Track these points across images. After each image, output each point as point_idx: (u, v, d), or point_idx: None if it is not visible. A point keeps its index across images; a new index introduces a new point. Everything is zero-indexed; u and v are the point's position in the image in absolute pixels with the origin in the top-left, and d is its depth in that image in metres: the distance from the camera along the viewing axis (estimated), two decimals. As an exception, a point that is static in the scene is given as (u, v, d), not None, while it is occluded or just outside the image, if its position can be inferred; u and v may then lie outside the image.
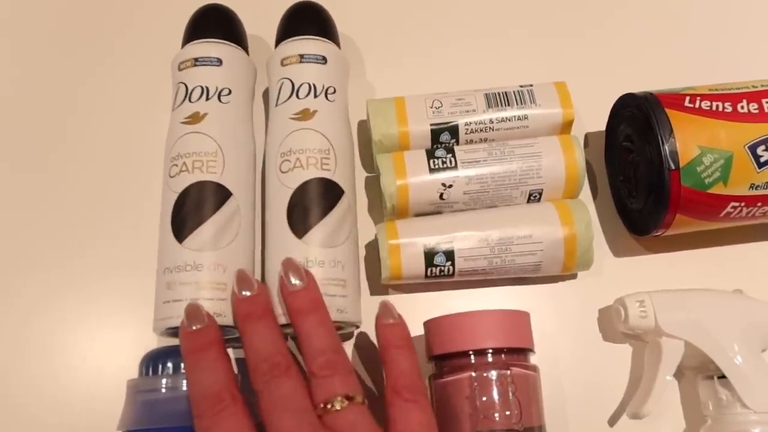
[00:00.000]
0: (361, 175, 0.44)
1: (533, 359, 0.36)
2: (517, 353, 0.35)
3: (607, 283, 0.41)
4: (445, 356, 0.35)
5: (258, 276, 0.39)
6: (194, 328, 0.33)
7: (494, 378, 0.34)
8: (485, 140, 0.41)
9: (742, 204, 0.38)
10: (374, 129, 0.41)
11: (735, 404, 0.36)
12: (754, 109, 0.37)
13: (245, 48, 0.43)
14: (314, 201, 0.37)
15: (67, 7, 0.49)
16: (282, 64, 0.41)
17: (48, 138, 0.46)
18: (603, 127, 0.44)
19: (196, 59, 0.40)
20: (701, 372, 0.38)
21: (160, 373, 0.34)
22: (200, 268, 0.36)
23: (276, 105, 0.40)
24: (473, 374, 0.34)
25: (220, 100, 0.40)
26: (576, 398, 0.40)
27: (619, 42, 0.48)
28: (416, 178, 0.40)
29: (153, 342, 0.38)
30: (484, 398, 0.33)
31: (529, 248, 0.39)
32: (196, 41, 0.41)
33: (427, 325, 0.37)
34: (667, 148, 0.37)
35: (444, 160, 0.40)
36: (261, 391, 0.31)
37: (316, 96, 0.40)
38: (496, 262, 0.39)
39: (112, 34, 0.48)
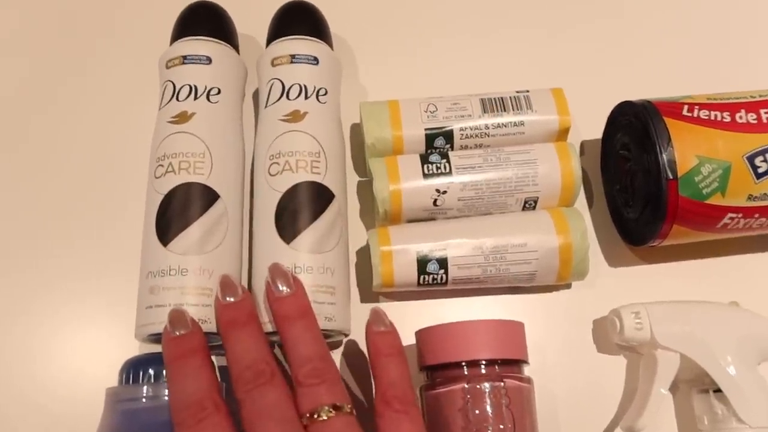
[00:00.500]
0: (354, 179, 0.43)
1: (527, 371, 0.36)
2: (511, 365, 0.34)
3: (602, 294, 0.41)
4: (438, 367, 0.34)
5: (245, 281, 0.38)
6: (178, 333, 0.31)
7: (487, 390, 0.33)
8: (480, 146, 0.41)
9: (740, 215, 0.37)
10: (367, 132, 0.40)
11: (731, 419, 0.36)
12: (753, 120, 0.37)
13: (236, 47, 0.42)
14: (303, 205, 0.36)
15: (51, 4, 0.48)
16: (272, 65, 0.40)
17: (29, 136, 0.44)
18: (599, 135, 0.43)
19: (184, 57, 0.39)
20: (696, 385, 0.38)
21: (140, 381, 0.32)
22: (185, 273, 0.35)
23: (265, 106, 0.39)
24: (466, 386, 0.33)
25: (208, 100, 0.39)
26: (570, 411, 0.39)
27: (617, 49, 0.47)
28: (410, 183, 0.39)
29: (135, 348, 0.37)
30: (477, 411, 0.33)
31: (524, 257, 0.38)
32: (184, 39, 0.40)
33: (419, 334, 0.36)
34: (665, 157, 0.36)
35: (438, 165, 0.39)
36: (243, 400, 0.30)
37: (307, 97, 0.39)
38: (491, 270, 0.38)
39: (97, 31, 0.47)
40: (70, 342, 0.40)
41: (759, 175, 0.36)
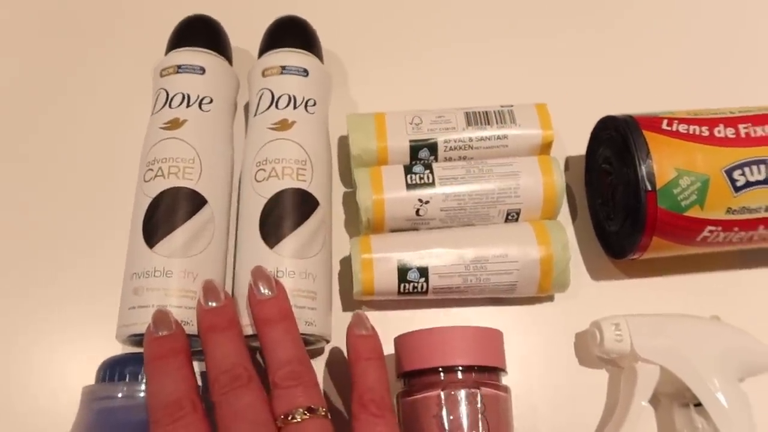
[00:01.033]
0: (340, 190, 0.44)
1: (506, 381, 0.35)
2: (488, 372, 0.34)
3: (584, 307, 0.41)
4: (414, 373, 0.34)
5: (228, 285, 0.39)
6: (161, 334, 0.32)
7: (463, 397, 0.33)
8: (464, 158, 0.41)
9: (719, 228, 0.37)
10: (353, 143, 0.41)
11: (711, 433, 0.35)
12: (731, 134, 0.37)
13: (229, 59, 0.43)
14: (288, 211, 0.37)
15: (46, 10, 0.50)
16: (263, 75, 0.41)
17: (11, 137, 0.45)
18: (584, 151, 0.44)
19: (179, 66, 0.40)
20: (677, 399, 0.38)
21: (117, 380, 0.33)
22: (170, 275, 0.35)
23: (255, 115, 0.40)
24: (441, 392, 0.33)
25: (200, 108, 0.39)
26: (550, 424, 0.39)
27: (603, 66, 0.48)
28: (393, 193, 0.39)
29: (115, 350, 0.37)
30: (452, 417, 0.32)
31: (505, 267, 0.38)
32: (179, 49, 0.41)
33: (397, 341, 0.36)
34: (644, 169, 0.37)
35: (422, 176, 0.40)
36: (219, 403, 0.30)
37: (295, 107, 0.40)
38: (471, 280, 0.38)
39: (92, 39, 0.49)
40: (49, 344, 0.40)
41: (737, 189, 0.37)
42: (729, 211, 0.37)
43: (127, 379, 0.33)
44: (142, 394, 0.32)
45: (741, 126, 0.38)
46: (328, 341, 0.38)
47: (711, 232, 0.37)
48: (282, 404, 0.30)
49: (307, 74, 0.41)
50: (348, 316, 0.38)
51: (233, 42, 0.44)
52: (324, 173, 0.40)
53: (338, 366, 0.39)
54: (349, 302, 0.41)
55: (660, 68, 0.48)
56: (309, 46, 0.42)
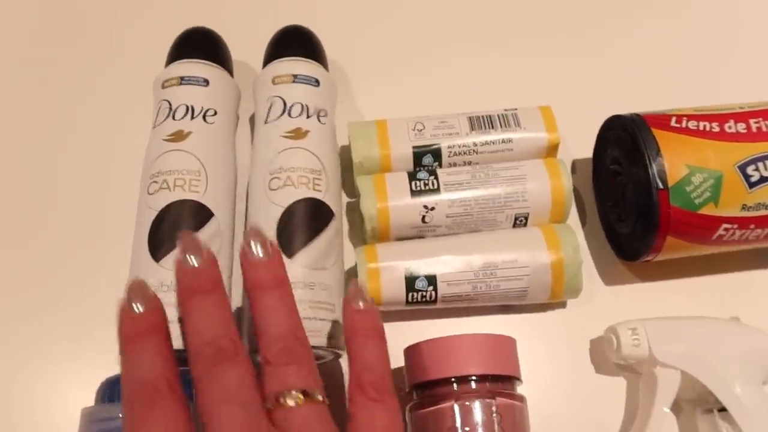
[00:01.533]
0: (342, 200, 0.43)
1: (520, 391, 0.34)
2: (503, 381, 0.33)
3: (598, 313, 0.39)
4: (426, 385, 0.33)
5: (237, 297, 0.37)
6: (137, 310, 0.28)
7: (478, 407, 0.32)
8: (469, 163, 0.40)
9: (735, 226, 0.36)
10: (355, 151, 0.40)
11: (737, 439, 0.34)
12: (742, 129, 0.36)
13: (230, 71, 0.43)
14: (306, 221, 0.36)
15: (40, 25, 0.49)
16: (273, 82, 0.40)
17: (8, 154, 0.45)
18: (590, 154, 0.43)
19: (182, 78, 0.39)
20: (700, 405, 0.36)
21: (117, 400, 0.31)
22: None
23: (265, 122, 0.39)
24: (456, 403, 0.32)
25: (205, 120, 0.39)
26: (568, 435, 0.37)
27: (604, 68, 0.48)
28: (397, 200, 0.38)
29: (115, 370, 0.36)
30: (467, 429, 0.31)
31: (515, 273, 0.37)
32: (182, 61, 0.40)
33: (407, 351, 0.34)
34: (654, 167, 0.36)
35: (426, 182, 0.39)
36: (201, 379, 0.26)
37: (308, 117, 0.39)
38: (481, 287, 0.37)
39: (88, 53, 0.48)
40: (47, 363, 0.39)
41: (752, 185, 0.36)
42: (744, 207, 0.36)
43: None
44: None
45: (752, 121, 0.37)
46: (340, 356, 0.37)
47: (726, 230, 0.36)
48: (273, 383, 0.27)
49: (318, 84, 0.40)
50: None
51: (235, 55, 0.44)
52: (337, 184, 0.39)
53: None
54: (355, 314, 0.39)
55: (663, 67, 0.48)
56: (317, 56, 0.42)
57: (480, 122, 0.41)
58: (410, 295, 0.37)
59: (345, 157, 0.44)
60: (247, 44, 0.44)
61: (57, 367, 0.39)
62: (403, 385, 0.35)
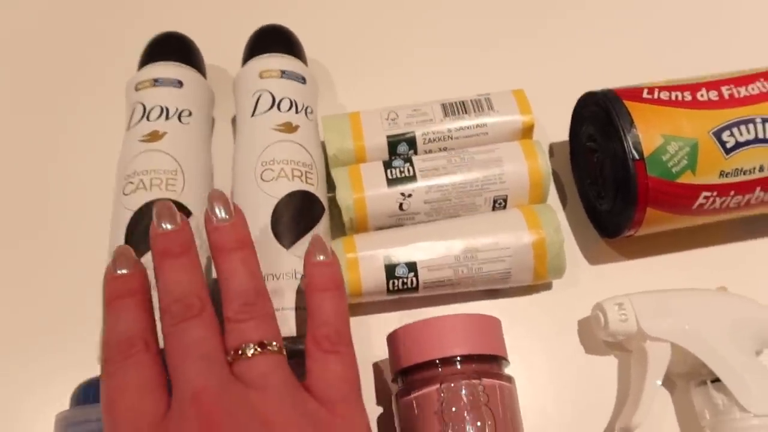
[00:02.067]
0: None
1: (509, 372, 0.33)
2: (489, 362, 0.32)
3: (584, 293, 0.39)
4: (410, 370, 0.32)
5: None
6: (120, 272, 0.29)
7: (464, 388, 0.31)
8: (444, 149, 0.40)
9: (715, 194, 0.36)
10: (329, 144, 0.40)
11: (733, 408, 0.33)
12: (714, 97, 0.36)
13: (203, 74, 0.42)
14: (301, 213, 0.36)
15: (10, 30, 0.49)
16: (261, 77, 0.40)
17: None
18: (566, 137, 0.43)
19: (155, 80, 0.39)
20: (693, 379, 0.35)
21: (93, 402, 0.30)
22: (154, 288, 0.33)
23: (252, 116, 0.39)
24: (441, 386, 0.31)
25: (180, 121, 0.39)
26: (559, 418, 0.36)
27: (578, 51, 0.48)
28: (374, 190, 0.38)
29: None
30: (454, 410, 0.30)
31: (497, 255, 0.37)
32: (155, 63, 0.40)
33: (390, 338, 0.34)
34: (629, 139, 0.35)
35: (402, 169, 0.38)
36: (169, 335, 0.28)
37: (297, 112, 0.39)
38: (463, 271, 0.36)
39: (56, 58, 0.48)
40: (19, 374, 0.38)
41: (728, 150, 0.35)
42: (723, 174, 0.35)
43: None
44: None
45: (723, 88, 0.37)
46: None
47: (707, 198, 0.36)
48: (233, 338, 0.28)
49: (305, 82, 0.40)
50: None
51: (209, 59, 0.44)
52: (324, 180, 0.39)
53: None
54: (337, 308, 0.39)
55: (632, 46, 0.48)
56: (299, 54, 0.42)
57: (453, 108, 0.40)
58: (391, 283, 0.36)
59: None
60: (219, 48, 0.44)
61: (28, 375, 0.38)
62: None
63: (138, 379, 0.27)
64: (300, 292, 0.34)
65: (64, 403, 0.32)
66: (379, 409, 0.36)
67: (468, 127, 0.40)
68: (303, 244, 0.35)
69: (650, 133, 0.35)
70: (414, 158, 0.39)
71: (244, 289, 0.29)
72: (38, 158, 0.44)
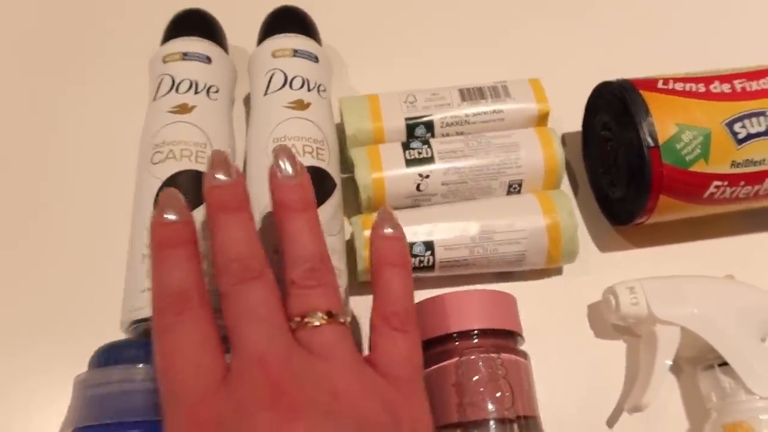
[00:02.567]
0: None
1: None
2: (506, 338, 0.33)
3: (594, 279, 0.39)
4: (429, 344, 0.33)
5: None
6: (169, 218, 0.28)
7: (482, 361, 0.31)
8: (461, 133, 0.41)
9: (726, 183, 0.37)
10: (348, 124, 0.40)
11: (739, 391, 0.34)
12: (727, 89, 0.37)
13: (227, 51, 0.43)
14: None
15: (27, 10, 0.49)
16: (273, 56, 0.40)
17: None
18: (579, 128, 0.44)
19: (185, 54, 0.39)
20: (700, 363, 0.36)
21: (112, 365, 0.30)
22: None
23: (265, 94, 0.39)
24: (460, 359, 0.31)
25: (208, 96, 0.39)
26: (570, 399, 0.37)
27: (594, 43, 0.49)
28: (392, 170, 0.38)
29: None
30: (472, 382, 0.31)
31: (512, 237, 0.37)
32: (183, 37, 0.40)
33: (408, 312, 0.34)
34: (644, 127, 0.36)
35: (420, 151, 0.39)
36: (227, 295, 0.27)
37: (309, 90, 0.39)
38: (479, 251, 0.37)
39: (77, 36, 0.48)
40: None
41: (740, 141, 0.36)
42: (734, 164, 0.36)
43: (124, 364, 0.30)
44: (140, 378, 0.30)
45: (736, 81, 0.38)
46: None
47: (717, 187, 0.37)
48: (298, 304, 0.27)
49: (318, 61, 0.40)
50: (351, 301, 0.37)
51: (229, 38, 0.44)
52: (336, 157, 0.39)
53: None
54: (352, 285, 0.39)
55: (645, 40, 0.49)
56: (313, 34, 0.42)
57: (471, 94, 0.41)
58: (408, 260, 0.37)
59: (337, 133, 0.44)
60: (238, 28, 0.44)
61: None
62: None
63: (196, 335, 0.26)
64: None
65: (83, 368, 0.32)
66: (392, 386, 0.37)
67: (485, 113, 0.41)
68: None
69: (665, 121, 0.36)
70: (432, 140, 0.40)
71: (309, 253, 0.28)
72: (62, 136, 0.44)
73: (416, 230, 0.37)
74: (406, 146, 0.39)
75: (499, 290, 0.34)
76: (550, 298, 0.40)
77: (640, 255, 0.41)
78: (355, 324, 0.38)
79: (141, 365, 0.30)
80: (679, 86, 0.38)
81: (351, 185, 0.40)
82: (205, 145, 0.37)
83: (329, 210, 0.36)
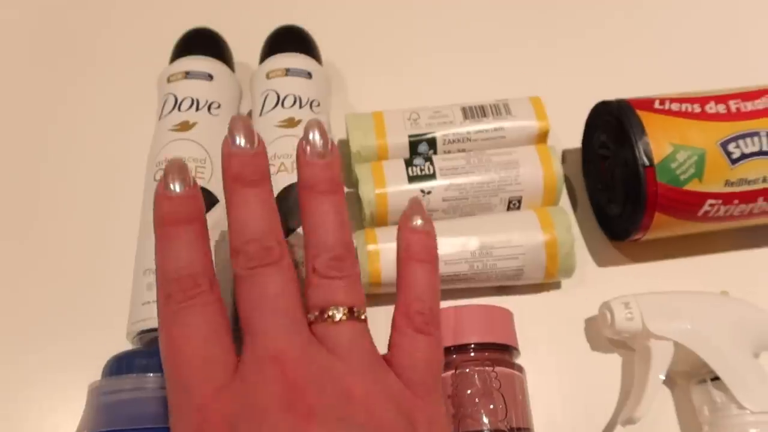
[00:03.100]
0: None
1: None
2: (501, 351, 0.34)
3: (591, 293, 0.40)
4: (427, 356, 0.34)
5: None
6: (175, 190, 0.25)
7: (477, 374, 0.32)
8: (463, 150, 0.42)
9: (720, 202, 0.38)
10: (353, 141, 0.42)
11: (730, 405, 0.35)
12: (722, 110, 0.38)
13: (232, 69, 0.44)
14: (297, 204, 0.37)
15: (43, 23, 0.51)
16: (267, 77, 0.42)
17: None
18: (579, 145, 0.45)
19: (187, 72, 0.41)
20: (693, 377, 0.37)
21: (125, 373, 0.32)
22: None
23: (260, 115, 0.41)
24: (455, 371, 0.33)
25: (209, 112, 0.40)
26: (564, 410, 0.38)
27: (594, 62, 0.50)
28: (395, 186, 0.40)
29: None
30: (467, 394, 0.32)
31: (511, 252, 0.38)
32: (187, 56, 0.42)
33: (408, 326, 0.35)
34: (640, 146, 0.37)
35: (422, 167, 0.40)
36: (243, 279, 0.25)
37: (301, 107, 0.40)
38: (478, 266, 0.38)
39: (88, 53, 0.50)
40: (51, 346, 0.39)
41: (734, 161, 0.37)
42: (728, 183, 0.37)
43: (137, 372, 0.32)
44: (151, 387, 0.31)
45: (731, 102, 0.39)
46: None
47: (712, 206, 0.38)
48: (319, 296, 0.25)
49: (311, 76, 0.42)
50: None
51: (234, 55, 0.46)
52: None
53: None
54: (356, 298, 0.40)
55: (647, 59, 0.50)
56: (310, 50, 0.44)
57: (473, 112, 0.42)
58: (409, 274, 0.38)
59: (342, 149, 0.46)
60: (247, 45, 0.46)
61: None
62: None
63: (206, 324, 0.24)
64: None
65: (97, 376, 0.34)
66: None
67: (486, 131, 0.42)
68: (298, 236, 0.36)
69: (660, 141, 0.37)
70: (434, 157, 0.41)
71: (334, 240, 0.26)
72: (73, 148, 0.46)
73: (417, 245, 0.38)
74: (408, 163, 0.40)
75: (496, 305, 0.35)
76: (548, 311, 0.41)
77: (638, 270, 0.42)
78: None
79: (152, 374, 0.32)
80: (675, 106, 0.39)
81: (355, 200, 0.41)
82: (205, 160, 0.38)
83: None
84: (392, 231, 0.39)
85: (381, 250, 0.38)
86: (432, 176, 0.40)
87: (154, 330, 0.34)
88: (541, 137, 0.42)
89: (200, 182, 0.37)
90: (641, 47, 0.51)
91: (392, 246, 0.37)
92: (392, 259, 0.37)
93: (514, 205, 0.41)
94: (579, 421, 0.38)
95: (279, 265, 0.25)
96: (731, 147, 0.37)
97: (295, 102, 0.40)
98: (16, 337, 0.39)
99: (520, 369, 0.34)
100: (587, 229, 0.44)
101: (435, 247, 0.29)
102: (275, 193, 0.36)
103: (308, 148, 0.27)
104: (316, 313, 0.26)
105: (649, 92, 0.42)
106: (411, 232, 0.29)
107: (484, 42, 0.51)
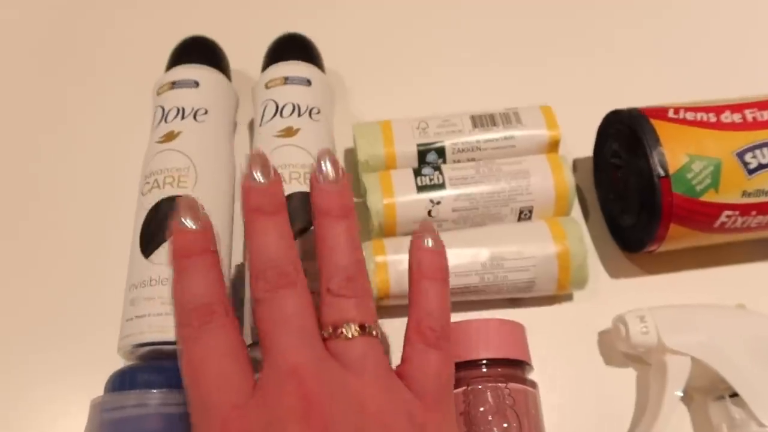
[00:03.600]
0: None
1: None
2: (514, 367, 0.33)
3: (605, 305, 0.39)
4: (437, 371, 0.33)
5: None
6: (189, 225, 0.28)
7: (490, 391, 0.31)
8: (472, 160, 0.41)
9: (737, 213, 0.37)
10: (360, 150, 0.41)
11: (750, 423, 0.34)
12: (738, 119, 0.37)
13: (226, 74, 0.44)
14: (296, 212, 0.36)
15: (40, 33, 0.51)
16: (266, 87, 0.41)
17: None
18: (590, 153, 0.44)
19: (173, 83, 0.41)
20: (711, 393, 0.36)
21: (127, 389, 0.31)
22: (166, 282, 0.34)
23: (260, 125, 0.40)
24: (468, 388, 0.32)
25: (195, 119, 0.40)
26: (580, 427, 0.37)
27: (605, 71, 0.49)
28: (404, 196, 0.39)
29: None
30: (480, 412, 0.31)
31: (522, 264, 0.37)
32: (175, 67, 0.42)
33: (417, 340, 0.34)
34: (655, 156, 0.36)
35: (431, 177, 0.39)
36: (261, 302, 0.27)
37: (300, 115, 0.40)
38: (488, 278, 0.37)
39: (87, 63, 0.49)
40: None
41: (750, 171, 0.36)
42: (745, 194, 0.36)
43: (139, 388, 0.31)
44: (154, 403, 0.30)
45: (747, 111, 0.38)
46: None
47: (728, 217, 0.37)
48: (332, 314, 0.27)
49: (310, 84, 0.41)
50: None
51: (237, 64, 0.45)
52: None
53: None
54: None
55: (660, 68, 0.49)
56: (310, 58, 0.43)
57: (482, 121, 0.41)
58: (418, 287, 0.37)
59: (349, 159, 0.45)
60: (254, 55, 0.45)
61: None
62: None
63: (224, 345, 0.26)
64: None
65: (99, 391, 0.33)
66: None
67: (496, 140, 0.41)
68: (298, 243, 0.35)
69: (675, 151, 0.36)
70: (443, 167, 0.40)
71: (347, 262, 0.28)
72: (71, 162, 0.45)
73: (427, 257, 0.37)
74: (417, 172, 0.40)
75: (509, 319, 0.34)
76: (561, 324, 0.40)
77: (652, 282, 0.41)
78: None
79: (156, 390, 0.31)
80: (690, 115, 0.38)
81: (363, 211, 0.41)
82: (188, 168, 0.38)
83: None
84: (400, 242, 0.38)
85: (389, 262, 0.37)
86: (441, 186, 0.39)
87: (142, 345, 0.33)
88: (552, 146, 0.41)
89: (184, 190, 0.37)
90: (653, 56, 0.50)
91: (400, 258, 0.37)
92: (400, 271, 0.37)
93: (525, 215, 0.40)
94: (593, 437, 0.37)
95: (295, 286, 0.27)
96: (748, 157, 0.36)
97: (294, 110, 0.40)
98: (15, 346, 0.39)
99: (533, 385, 0.33)
100: (599, 240, 0.43)
101: (446, 266, 0.31)
102: None
103: (320, 176, 0.30)
104: (330, 330, 0.27)
105: (660, 101, 0.41)
106: (423, 252, 0.30)
107: (493, 50, 0.50)
